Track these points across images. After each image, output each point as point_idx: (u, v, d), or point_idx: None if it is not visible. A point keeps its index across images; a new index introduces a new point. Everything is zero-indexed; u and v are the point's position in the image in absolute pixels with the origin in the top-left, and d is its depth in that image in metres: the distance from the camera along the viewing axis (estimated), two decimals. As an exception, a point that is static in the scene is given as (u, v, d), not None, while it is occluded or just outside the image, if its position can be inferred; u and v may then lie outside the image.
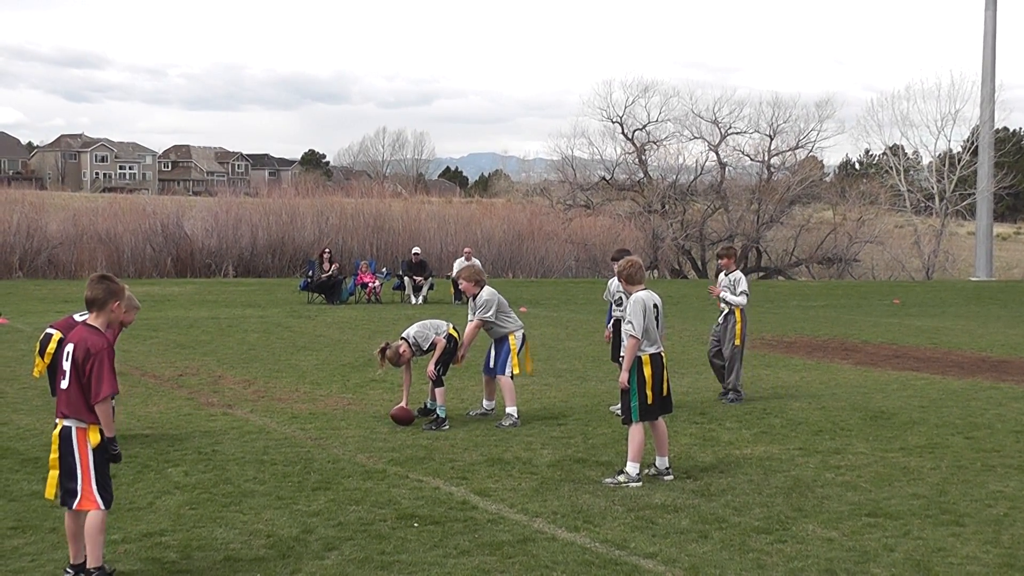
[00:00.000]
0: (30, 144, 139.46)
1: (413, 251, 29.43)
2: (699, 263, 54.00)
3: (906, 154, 60.24)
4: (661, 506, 7.66)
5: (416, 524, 7.12)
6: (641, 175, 56.06)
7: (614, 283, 11.62)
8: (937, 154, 58.39)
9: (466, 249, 29.60)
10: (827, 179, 62.90)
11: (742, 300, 12.47)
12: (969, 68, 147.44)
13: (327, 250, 27.96)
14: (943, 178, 56.60)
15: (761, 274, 53.70)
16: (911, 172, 60.40)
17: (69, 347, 6.05)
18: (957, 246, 57.24)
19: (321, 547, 6.62)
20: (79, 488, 5.93)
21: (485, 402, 11.45)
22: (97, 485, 5.96)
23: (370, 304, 26.92)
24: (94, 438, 5.96)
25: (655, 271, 51.97)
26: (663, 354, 8.56)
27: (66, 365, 6.02)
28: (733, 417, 11.33)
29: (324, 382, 13.58)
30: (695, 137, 55.66)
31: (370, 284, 27.72)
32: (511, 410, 10.87)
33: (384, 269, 31.38)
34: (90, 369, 5.93)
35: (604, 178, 56.34)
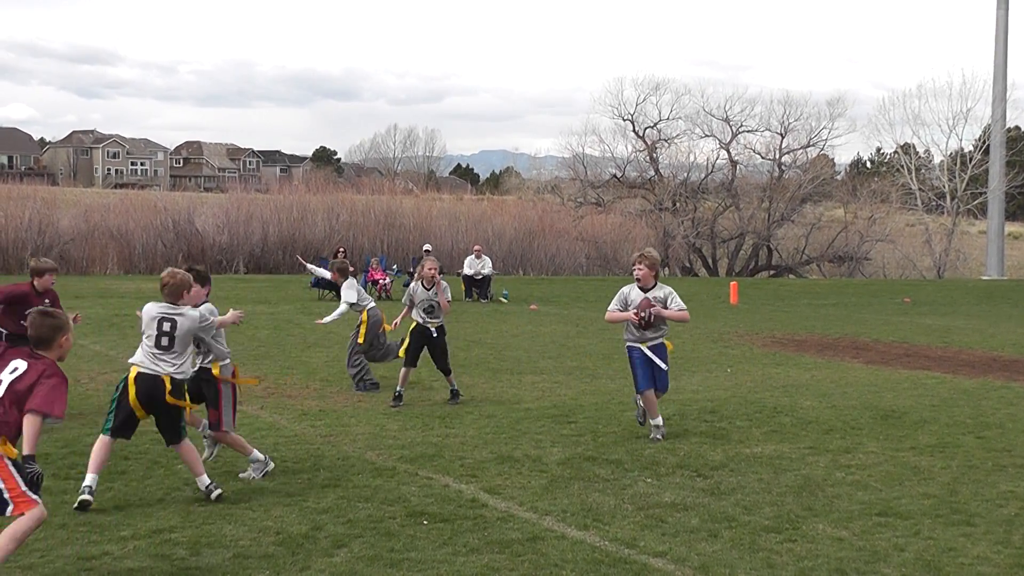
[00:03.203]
0: (42, 140, 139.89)
1: (424, 248, 29.45)
2: (710, 261, 53.91)
3: (917, 153, 60.06)
4: (671, 505, 7.65)
5: (425, 522, 7.12)
6: (652, 173, 55.99)
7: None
8: (948, 153, 58.24)
9: (476, 247, 29.60)
10: (838, 177, 62.74)
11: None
12: (981, 67, 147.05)
13: (342, 249, 28.00)
14: (954, 177, 56.41)
15: (772, 272, 53.59)
16: (922, 171, 60.20)
17: (18, 363, 5.68)
18: (968, 245, 57.03)
19: (330, 544, 6.62)
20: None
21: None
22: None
23: (380, 301, 26.92)
24: (9, 451, 5.57)
25: (666, 269, 51.90)
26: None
27: (5, 376, 5.63)
28: (743, 416, 11.30)
29: (334, 379, 13.59)
30: (706, 135, 55.61)
31: (381, 281, 27.74)
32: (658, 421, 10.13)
33: (395, 266, 31.42)
34: (42, 383, 5.56)
35: (615, 176, 56.30)
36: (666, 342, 10.03)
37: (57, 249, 37.34)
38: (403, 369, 11.91)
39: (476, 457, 9.13)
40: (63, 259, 37.20)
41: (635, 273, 9.96)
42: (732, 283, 32.07)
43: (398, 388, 11.82)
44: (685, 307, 9.89)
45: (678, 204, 53.87)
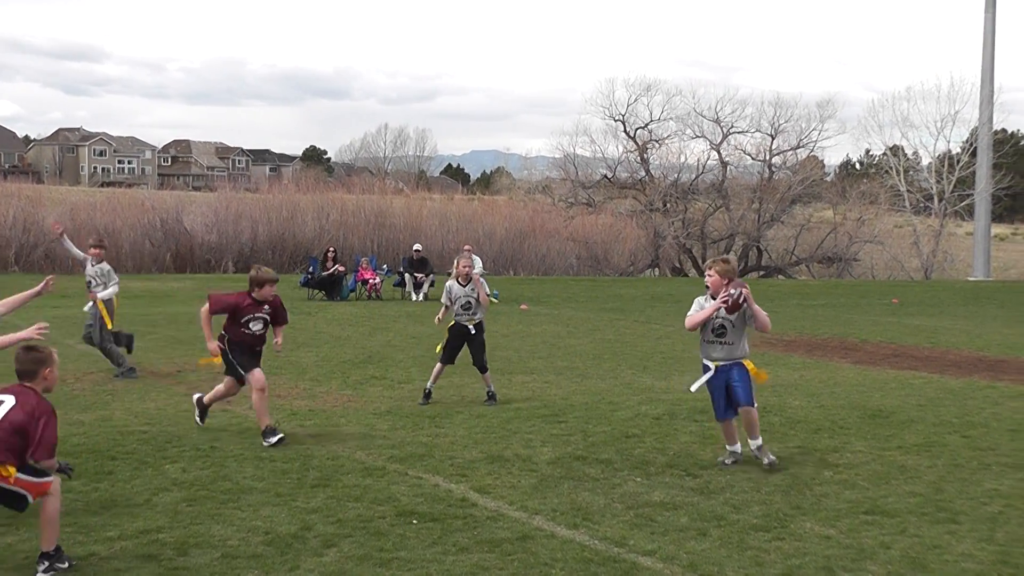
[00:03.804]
0: (27, 137, 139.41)
1: (414, 248, 29.43)
2: (700, 261, 53.98)
3: (906, 155, 60.22)
4: (660, 503, 7.67)
5: (415, 521, 7.13)
6: (643, 173, 56.03)
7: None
8: (936, 155, 58.39)
9: (466, 247, 29.56)
10: (828, 179, 62.88)
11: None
12: (969, 70, 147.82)
13: (332, 249, 27.96)
14: (942, 179, 56.60)
15: (762, 273, 53.71)
16: (911, 172, 60.37)
17: (5, 397, 6.15)
18: (955, 246, 57.26)
19: (320, 544, 6.63)
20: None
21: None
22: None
23: (371, 301, 26.92)
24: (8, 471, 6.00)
25: (656, 269, 51.97)
26: None
27: None
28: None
29: (324, 379, 13.59)
30: (697, 136, 55.64)
31: (371, 281, 27.71)
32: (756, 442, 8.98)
33: (385, 266, 31.38)
34: (41, 428, 6.07)
35: (606, 176, 56.33)
36: (748, 364, 8.91)
37: (42, 248, 37.20)
38: (438, 365, 12.05)
39: (466, 457, 9.14)
40: (48, 258, 37.09)
41: (706, 279, 9.03)
42: (721, 283, 32.09)
43: (428, 385, 12.03)
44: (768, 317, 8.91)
45: (668, 205, 53.92)
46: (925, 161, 60.47)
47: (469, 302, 11.99)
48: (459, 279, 12.01)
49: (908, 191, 57.55)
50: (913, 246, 55.31)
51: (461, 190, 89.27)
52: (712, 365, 8.95)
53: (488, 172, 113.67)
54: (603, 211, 53.16)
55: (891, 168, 58.96)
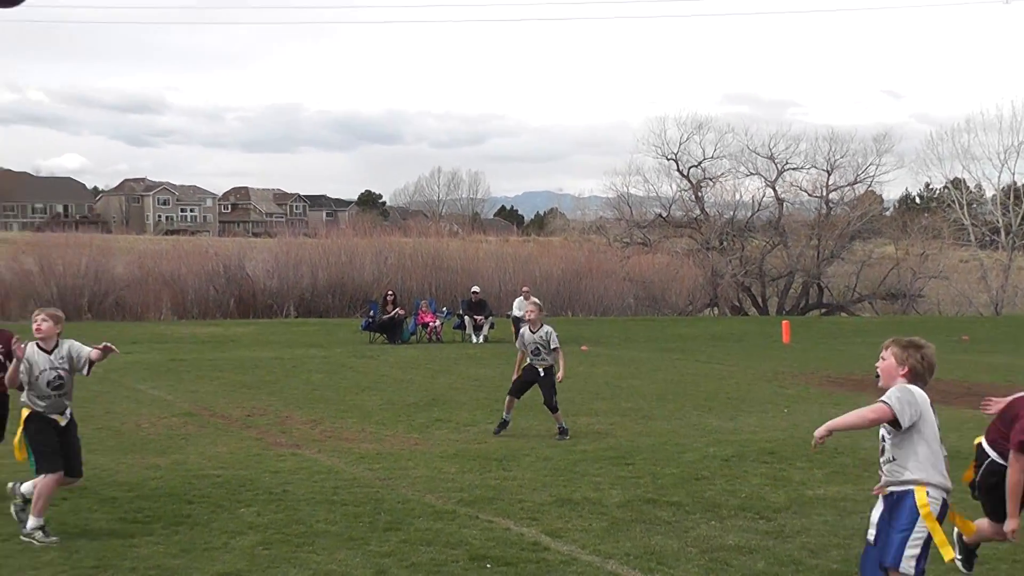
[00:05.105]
0: (95, 189, 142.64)
1: (472, 290, 29.54)
2: (760, 300, 53.53)
3: (968, 187, 59.41)
4: (735, 548, 7.56)
5: (489, 565, 7.10)
6: (698, 212, 55.88)
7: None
8: (1001, 187, 57.53)
9: (524, 288, 29.62)
10: (887, 214, 62.21)
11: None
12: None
13: (391, 292, 28.19)
14: (1008, 211, 55.70)
15: (823, 311, 53.09)
16: (974, 205, 59.52)
17: None
18: (1026, 281, 56.17)
19: (395, 588, 6.61)
20: None
21: None
22: None
23: (431, 344, 27.03)
24: None
25: (715, 308, 51.60)
26: None
27: None
28: (803, 456, 11.17)
29: (390, 422, 13.64)
30: (751, 173, 55.49)
31: (431, 324, 27.85)
32: None
33: (444, 308, 31.53)
34: None
35: (660, 215, 56.27)
36: (920, 495, 5.64)
37: (113, 296, 37.98)
38: (508, 397, 12.69)
39: (535, 500, 9.10)
40: (119, 305, 37.82)
41: (877, 364, 6.09)
42: (783, 322, 31.80)
43: (505, 415, 12.65)
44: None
45: (725, 243, 53.69)
46: (989, 193, 59.65)
47: (538, 348, 12.51)
48: (530, 326, 12.60)
49: (972, 224, 56.71)
50: (981, 281, 54.35)
51: (515, 232, 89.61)
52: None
53: (541, 213, 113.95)
54: (659, 250, 53.05)
55: (953, 201, 58.18)
